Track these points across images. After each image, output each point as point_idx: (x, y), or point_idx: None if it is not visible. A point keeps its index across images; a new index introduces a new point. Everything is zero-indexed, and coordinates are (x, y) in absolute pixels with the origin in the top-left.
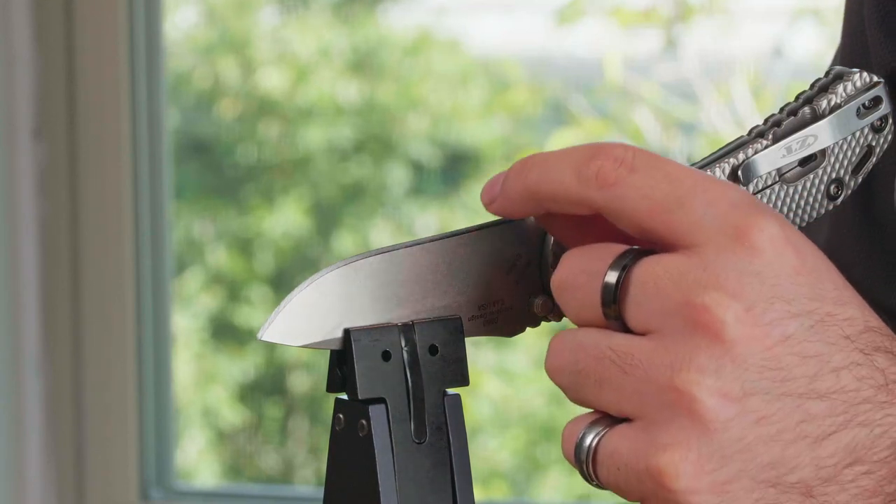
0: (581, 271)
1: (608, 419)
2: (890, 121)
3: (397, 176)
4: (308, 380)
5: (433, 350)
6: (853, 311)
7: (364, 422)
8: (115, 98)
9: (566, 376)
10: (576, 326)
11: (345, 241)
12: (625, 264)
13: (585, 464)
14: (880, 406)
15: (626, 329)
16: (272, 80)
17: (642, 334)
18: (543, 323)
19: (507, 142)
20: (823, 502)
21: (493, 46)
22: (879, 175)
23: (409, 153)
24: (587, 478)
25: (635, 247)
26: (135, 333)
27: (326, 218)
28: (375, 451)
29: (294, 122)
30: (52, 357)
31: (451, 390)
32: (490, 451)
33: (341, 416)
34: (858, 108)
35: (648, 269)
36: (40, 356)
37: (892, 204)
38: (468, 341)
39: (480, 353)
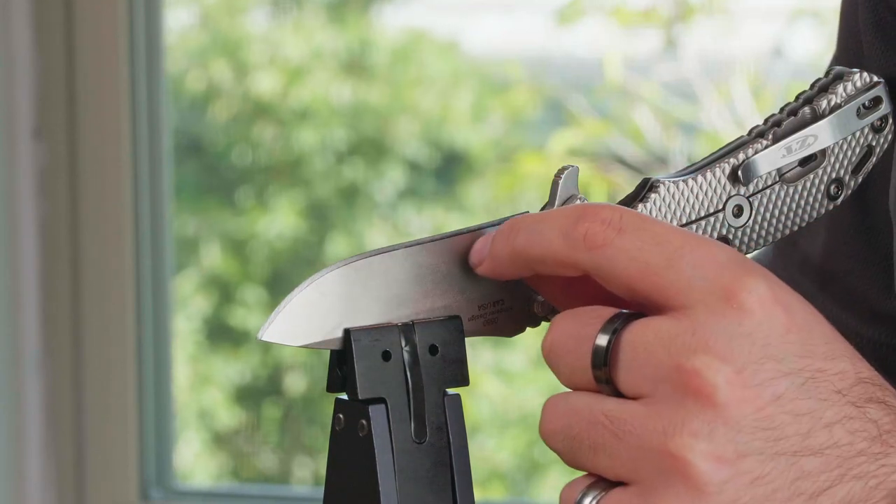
0: (571, 336)
1: (605, 482)
2: (890, 121)
3: (391, 177)
4: (304, 381)
5: (433, 350)
6: (844, 364)
7: (364, 422)
8: (115, 98)
9: (560, 441)
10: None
11: (339, 243)
12: (614, 328)
13: None
14: (875, 458)
15: (617, 393)
16: (266, 83)
17: (634, 398)
18: (544, 323)
19: (501, 143)
20: None
21: (492, 46)
22: (876, 180)
23: (403, 154)
24: None
25: (624, 310)
26: (135, 333)
27: (321, 219)
28: (375, 451)
29: (288, 124)
30: (52, 357)
31: (451, 390)
32: (489, 451)
33: (341, 416)
34: (858, 108)
35: (638, 334)
36: (40, 356)
37: (888, 210)
38: (468, 341)
39: (479, 353)
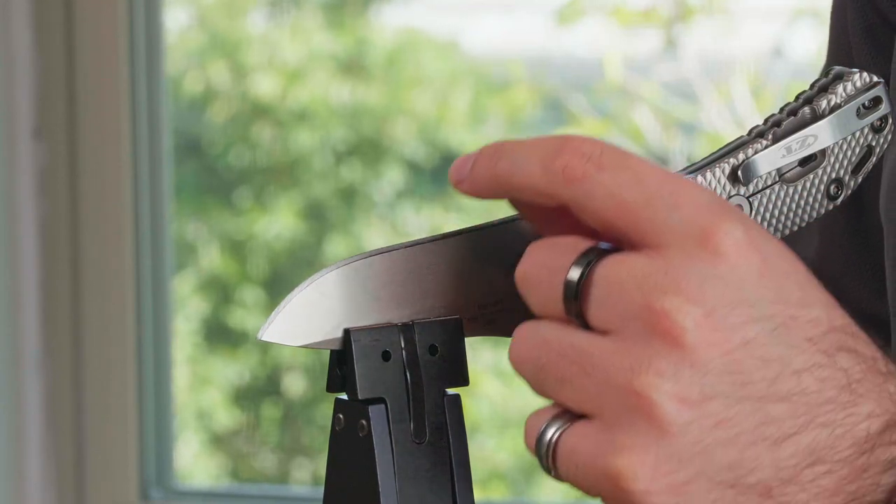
0: (544, 266)
1: (570, 414)
2: (890, 121)
3: (390, 178)
4: (302, 381)
5: (433, 350)
6: (818, 311)
7: (364, 422)
8: (115, 98)
9: (529, 370)
10: None
11: (338, 244)
12: (588, 262)
13: (545, 458)
14: (843, 406)
15: (587, 326)
16: (264, 84)
17: (604, 333)
18: None
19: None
20: (783, 502)
21: (492, 46)
22: (869, 184)
23: (401, 155)
24: (547, 471)
25: (600, 244)
26: (135, 333)
27: (319, 220)
28: (375, 451)
29: (286, 125)
30: (52, 357)
31: (450, 390)
32: (488, 451)
33: (341, 416)
34: (858, 108)
35: (611, 270)
36: (40, 356)
37: (880, 212)
38: (468, 341)
39: (479, 353)
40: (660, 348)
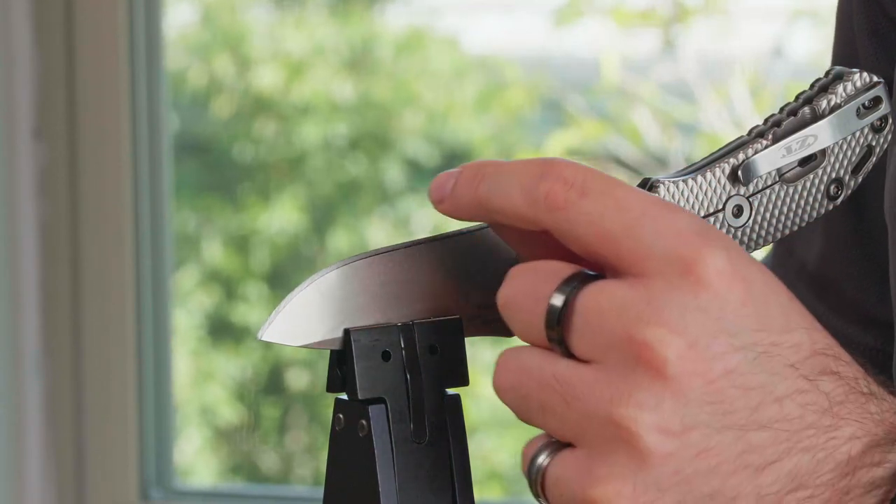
0: (527, 292)
1: (559, 443)
2: (890, 121)
3: (393, 173)
4: (306, 378)
5: (433, 350)
6: (800, 335)
7: (364, 422)
8: (115, 98)
9: (512, 398)
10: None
11: (341, 239)
12: (570, 289)
13: (535, 485)
14: (824, 430)
15: (570, 354)
16: (268, 78)
17: (586, 362)
18: None
19: (503, 139)
20: None
21: (491, 46)
22: (871, 185)
23: (405, 150)
24: (537, 497)
25: (583, 270)
26: (135, 333)
27: (322, 215)
28: (375, 451)
29: (290, 120)
30: (52, 357)
31: (450, 390)
32: (488, 451)
33: (341, 416)
34: (858, 108)
35: (593, 298)
36: (40, 356)
37: (883, 215)
38: (468, 341)
39: (479, 353)
40: (641, 379)
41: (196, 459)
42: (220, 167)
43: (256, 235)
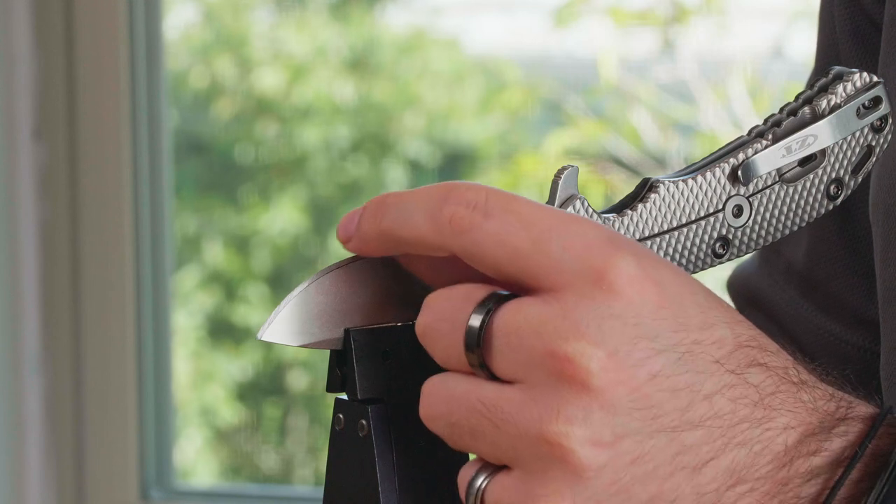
0: (444, 318)
1: (494, 466)
2: (890, 121)
3: (394, 175)
4: (306, 378)
5: None
6: (722, 331)
7: (364, 422)
8: (115, 98)
9: (441, 426)
10: None
11: None
12: (487, 311)
13: None
14: (758, 423)
15: (493, 376)
16: (269, 80)
17: (510, 383)
18: None
19: (504, 140)
20: None
21: (490, 46)
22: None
23: (406, 152)
24: None
25: (497, 291)
26: (135, 333)
27: (323, 216)
28: (375, 451)
29: (291, 122)
30: (52, 357)
31: None
32: None
33: (341, 416)
34: (858, 108)
35: (509, 318)
36: (40, 356)
37: (869, 214)
38: None
39: None
40: (567, 394)
41: (196, 461)
42: (221, 168)
43: (257, 236)
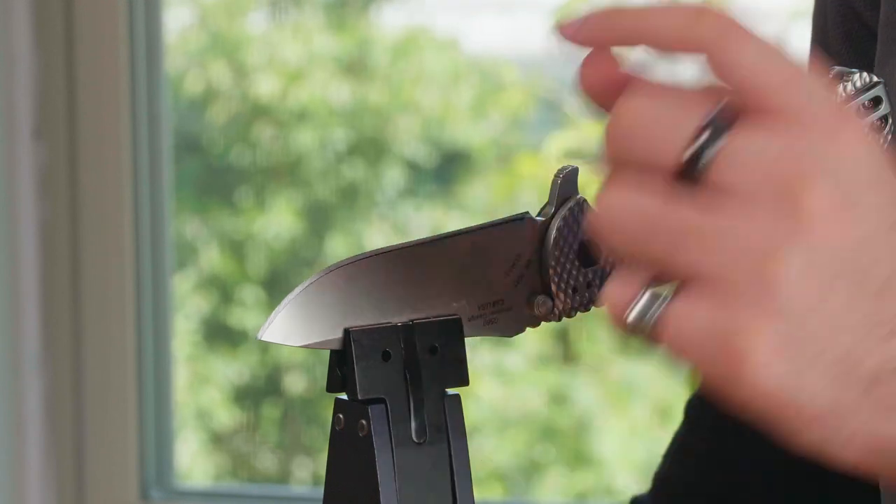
0: (659, 119)
1: (664, 285)
2: (890, 121)
3: (391, 177)
4: (303, 381)
5: (433, 350)
6: None
7: (364, 422)
8: (115, 98)
9: (623, 242)
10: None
11: (338, 243)
12: (721, 127)
13: (645, 334)
14: None
15: (690, 196)
16: (265, 84)
17: (719, 205)
18: (544, 323)
19: (501, 142)
20: (890, 392)
21: (489, 47)
22: None
23: (402, 154)
24: (639, 344)
25: (727, 103)
26: (135, 333)
27: (320, 219)
28: (375, 451)
29: (287, 125)
30: (52, 357)
31: (450, 390)
32: (488, 451)
33: (341, 416)
34: (858, 108)
35: (745, 141)
36: (40, 356)
37: None
38: (468, 341)
39: (479, 353)
40: (795, 228)
41: (194, 463)
42: (217, 172)
43: (253, 240)
